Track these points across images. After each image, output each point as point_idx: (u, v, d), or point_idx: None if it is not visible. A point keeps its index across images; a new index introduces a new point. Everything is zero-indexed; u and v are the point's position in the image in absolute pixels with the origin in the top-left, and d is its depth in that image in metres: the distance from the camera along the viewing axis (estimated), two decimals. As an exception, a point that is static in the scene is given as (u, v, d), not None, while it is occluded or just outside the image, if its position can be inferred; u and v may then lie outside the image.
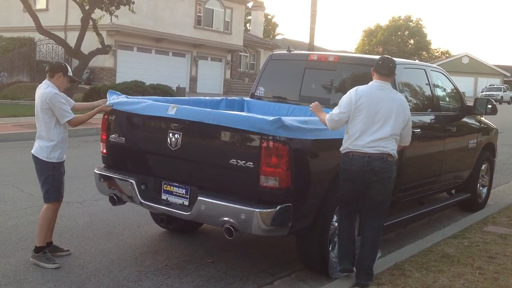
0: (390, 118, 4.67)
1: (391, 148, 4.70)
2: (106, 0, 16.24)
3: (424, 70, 6.80)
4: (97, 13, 16.62)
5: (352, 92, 4.77)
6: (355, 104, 4.68)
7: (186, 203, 4.93)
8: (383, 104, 4.69)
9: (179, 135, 4.87)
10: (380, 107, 4.67)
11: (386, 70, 4.84)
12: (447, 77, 7.39)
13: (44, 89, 5.12)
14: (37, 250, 5.15)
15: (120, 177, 5.29)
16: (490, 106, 7.34)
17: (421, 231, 6.81)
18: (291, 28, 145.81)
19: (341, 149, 4.77)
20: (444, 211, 7.79)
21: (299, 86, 6.53)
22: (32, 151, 5.22)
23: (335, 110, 4.75)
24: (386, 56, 5.08)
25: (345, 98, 4.78)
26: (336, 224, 5.08)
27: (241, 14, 37.94)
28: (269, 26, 71.36)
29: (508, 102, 54.67)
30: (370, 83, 4.86)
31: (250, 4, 42.90)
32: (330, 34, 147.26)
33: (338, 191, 4.82)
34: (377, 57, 6.78)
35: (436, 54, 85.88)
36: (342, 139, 4.87)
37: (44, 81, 5.24)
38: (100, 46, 16.74)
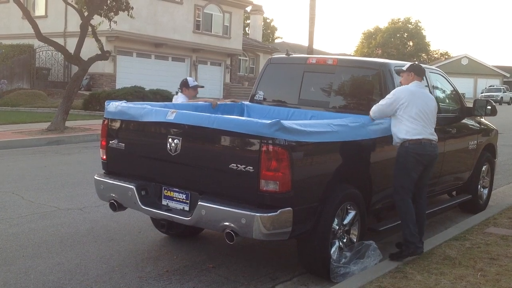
0: (435, 112, 5.63)
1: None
2: (105, 6, 16.24)
3: (423, 72, 6.81)
4: (96, 19, 16.62)
5: (403, 89, 5.57)
6: (405, 101, 5.42)
7: (187, 208, 4.93)
8: (429, 101, 5.60)
9: (179, 140, 4.87)
10: (427, 103, 5.53)
11: (424, 73, 5.81)
12: (445, 79, 7.38)
13: (177, 99, 7.33)
14: None
15: (120, 183, 5.29)
16: (489, 107, 7.33)
17: (422, 233, 6.78)
18: (290, 32, 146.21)
19: (407, 137, 5.40)
20: (445, 213, 7.78)
21: (298, 89, 6.54)
22: None
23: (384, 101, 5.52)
24: (417, 62, 6.09)
25: (403, 98, 5.48)
26: (337, 227, 5.08)
27: (240, 18, 37.97)
28: (268, 30, 71.49)
29: (508, 103, 54.69)
30: (412, 84, 5.59)
31: (249, 8, 42.93)
32: (329, 37, 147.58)
33: (402, 179, 5.45)
34: (376, 59, 6.84)
35: (436, 55, 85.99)
36: (340, 142, 4.95)
37: (179, 93, 7.40)
38: (99, 52, 16.72)
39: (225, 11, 35.62)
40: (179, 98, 7.29)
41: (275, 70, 6.94)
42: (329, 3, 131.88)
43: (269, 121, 4.39)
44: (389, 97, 5.50)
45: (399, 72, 5.81)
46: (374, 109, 5.53)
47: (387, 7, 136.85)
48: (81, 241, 6.03)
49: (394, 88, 5.84)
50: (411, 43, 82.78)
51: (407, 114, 5.41)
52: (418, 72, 5.67)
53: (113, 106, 5.49)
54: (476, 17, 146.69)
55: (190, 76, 33.38)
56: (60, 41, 24.43)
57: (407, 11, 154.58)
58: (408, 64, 5.83)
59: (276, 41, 68.97)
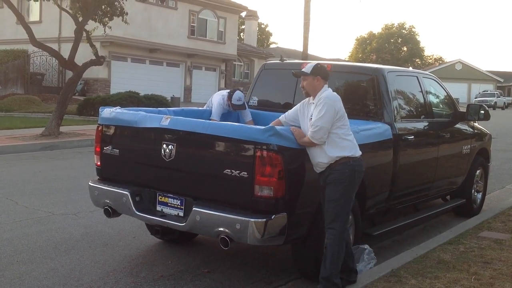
0: None
1: None
2: (100, 12, 16.24)
3: (417, 77, 6.85)
4: (90, 25, 16.61)
5: (334, 96, 4.65)
6: (340, 109, 4.61)
7: (181, 214, 4.93)
8: None
9: (173, 146, 4.87)
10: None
11: (328, 76, 4.83)
12: (439, 84, 7.43)
13: (214, 98, 6.73)
14: None
15: (115, 189, 5.29)
16: (482, 112, 7.38)
17: (416, 237, 6.82)
18: (285, 37, 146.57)
19: (353, 153, 4.61)
20: (439, 217, 7.81)
21: (293, 95, 6.56)
22: None
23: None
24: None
25: (339, 107, 4.61)
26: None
27: (234, 23, 38.06)
28: (263, 35, 71.62)
29: (502, 108, 54.99)
30: (329, 90, 4.71)
31: (243, 14, 43.05)
32: (324, 42, 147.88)
33: (348, 206, 4.63)
34: (370, 65, 6.85)
35: (430, 61, 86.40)
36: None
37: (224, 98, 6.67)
38: (94, 57, 16.71)
39: (220, 16, 35.71)
40: (216, 98, 6.65)
41: (269, 76, 6.96)
42: (324, 9, 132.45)
43: (263, 127, 4.40)
44: (327, 111, 4.49)
45: (299, 75, 4.78)
46: (317, 135, 4.47)
47: (381, 13, 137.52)
48: (76, 246, 6.02)
49: (388, 93, 5.84)
50: (405, 48, 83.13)
51: (345, 126, 4.64)
52: (325, 76, 4.71)
53: (107, 112, 5.49)
54: (471, 22, 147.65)
55: (185, 81, 33.39)
56: (55, 46, 24.40)
57: (401, 16, 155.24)
58: (311, 64, 4.77)
59: (271, 46, 69.14)
